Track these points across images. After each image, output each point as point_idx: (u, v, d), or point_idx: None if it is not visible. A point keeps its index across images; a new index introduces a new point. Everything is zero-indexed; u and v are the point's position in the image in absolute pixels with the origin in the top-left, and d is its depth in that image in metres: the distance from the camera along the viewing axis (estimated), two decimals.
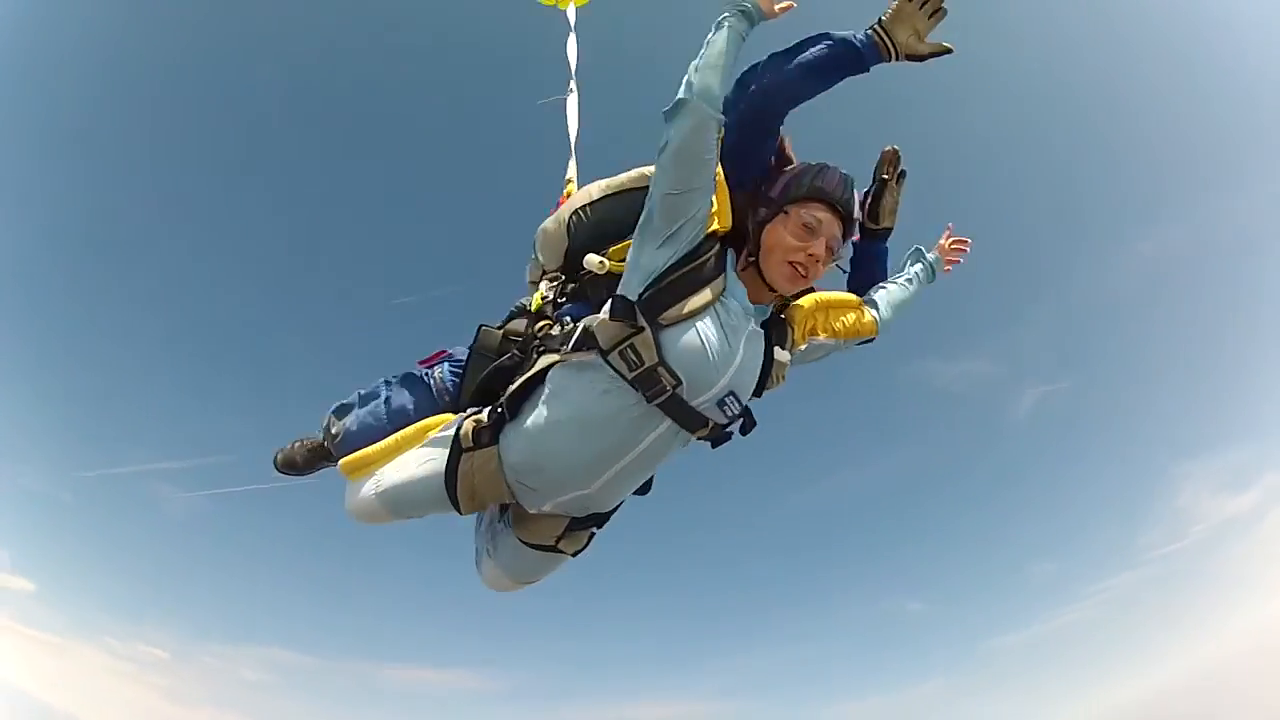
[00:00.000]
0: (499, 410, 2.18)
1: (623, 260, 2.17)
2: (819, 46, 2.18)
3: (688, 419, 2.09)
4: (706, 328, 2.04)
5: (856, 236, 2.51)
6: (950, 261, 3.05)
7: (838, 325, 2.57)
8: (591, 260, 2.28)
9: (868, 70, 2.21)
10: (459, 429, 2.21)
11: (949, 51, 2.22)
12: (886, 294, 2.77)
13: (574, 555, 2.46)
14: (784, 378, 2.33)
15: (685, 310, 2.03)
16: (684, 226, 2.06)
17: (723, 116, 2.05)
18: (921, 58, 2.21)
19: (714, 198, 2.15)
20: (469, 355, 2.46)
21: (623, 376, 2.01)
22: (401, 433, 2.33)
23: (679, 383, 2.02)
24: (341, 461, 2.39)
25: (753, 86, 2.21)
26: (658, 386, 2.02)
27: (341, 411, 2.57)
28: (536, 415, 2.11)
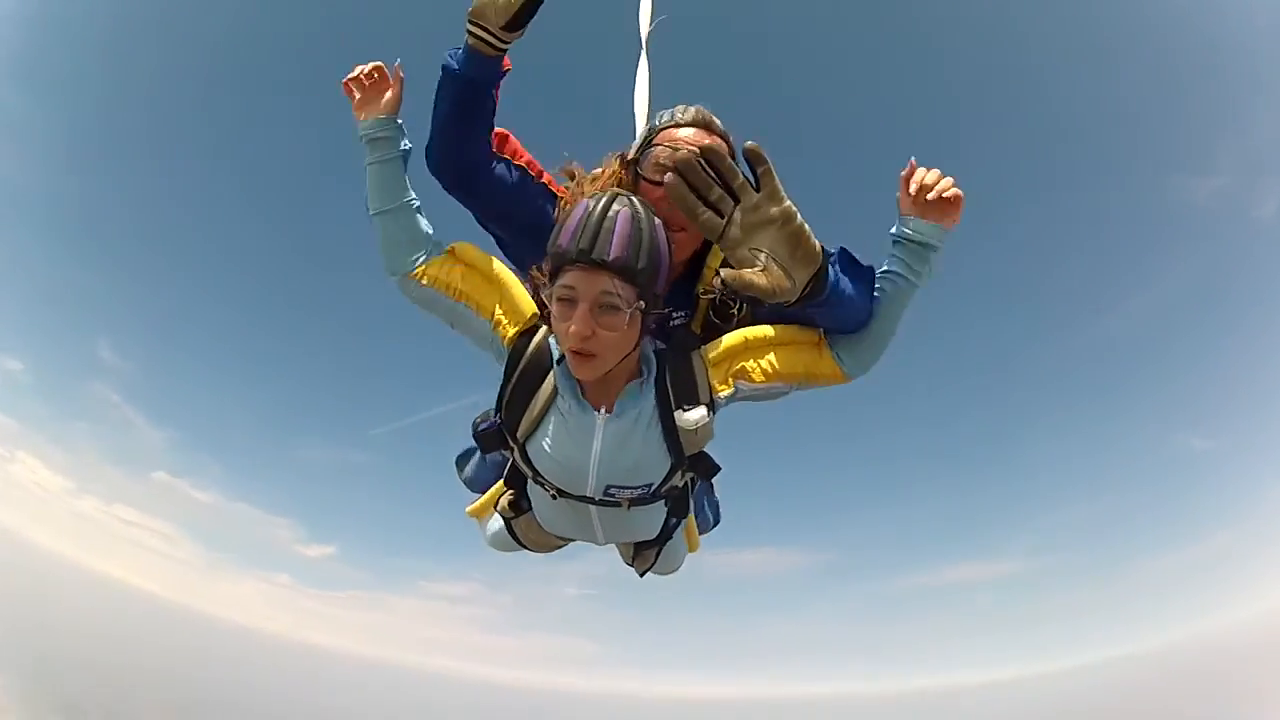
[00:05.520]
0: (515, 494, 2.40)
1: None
2: (437, 96, 2.09)
3: (603, 503, 2.09)
4: (550, 436, 1.98)
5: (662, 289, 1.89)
6: (941, 215, 1.98)
7: (784, 367, 2.04)
8: None
9: (474, 77, 2.03)
10: (499, 503, 2.47)
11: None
12: (854, 332, 2.12)
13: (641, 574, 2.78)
14: (705, 435, 1.99)
15: (530, 422, 1.99)
16: (485, 349, 2.06)
17: (406, 270, 2.04)
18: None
19: (499, 302, 2.02)
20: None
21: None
22: (488, 494, 2.64)
23: (557, 488, 2.08)
24: (467, 510, 2.76)
25: (434, 171, 2.15)
26: (551, 490, 2.10)
27: (461, 461, 2.79)
28: (533, 499, 2.32)
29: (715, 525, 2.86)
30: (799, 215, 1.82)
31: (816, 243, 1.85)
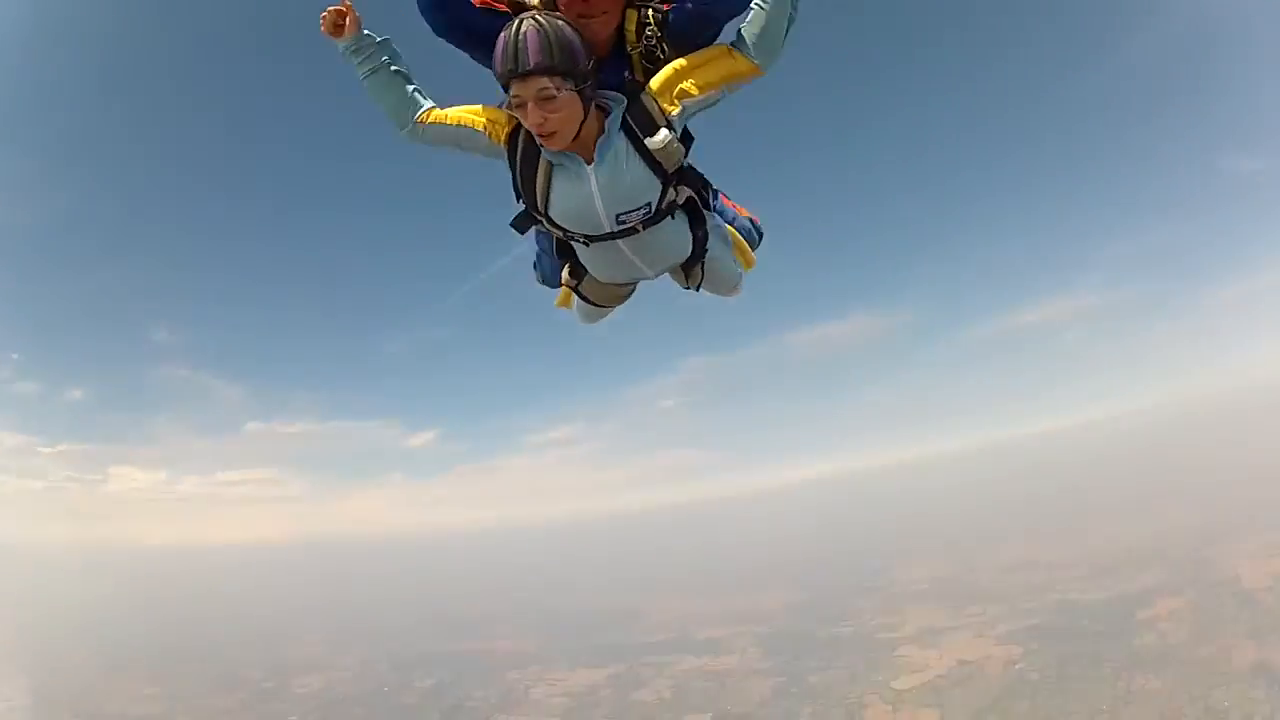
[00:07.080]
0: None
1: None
2: None
3: (626, 234, 2.79)
4: (559, 195, 2.70)
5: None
6: None
7: (712, 77, 2.67)
8: None
9: None
10: (564, 279, 3.37)
11: None
12: (749, 25, 2.68)
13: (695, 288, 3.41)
14: (674, 150, 2.64)
15: (542, 192, 2.71)
16: (492, 156, 2.79)
17: (413, 120, 2.79)
18: None
19: (486, 118, 2.75)
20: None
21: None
22: (563, 290, 3.48)
23: (586, 236, 2.83)
24: (555, 303, 3.62)
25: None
26: (581, 239, 2.86)
27: (535, 268, 3.59)
28: (579, 257, 3.12)
29: (760, 239, 3.51)
30: None
31: None
